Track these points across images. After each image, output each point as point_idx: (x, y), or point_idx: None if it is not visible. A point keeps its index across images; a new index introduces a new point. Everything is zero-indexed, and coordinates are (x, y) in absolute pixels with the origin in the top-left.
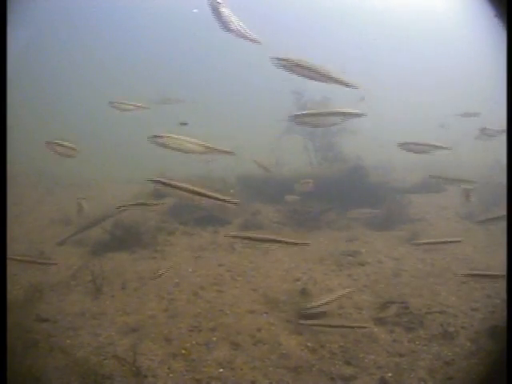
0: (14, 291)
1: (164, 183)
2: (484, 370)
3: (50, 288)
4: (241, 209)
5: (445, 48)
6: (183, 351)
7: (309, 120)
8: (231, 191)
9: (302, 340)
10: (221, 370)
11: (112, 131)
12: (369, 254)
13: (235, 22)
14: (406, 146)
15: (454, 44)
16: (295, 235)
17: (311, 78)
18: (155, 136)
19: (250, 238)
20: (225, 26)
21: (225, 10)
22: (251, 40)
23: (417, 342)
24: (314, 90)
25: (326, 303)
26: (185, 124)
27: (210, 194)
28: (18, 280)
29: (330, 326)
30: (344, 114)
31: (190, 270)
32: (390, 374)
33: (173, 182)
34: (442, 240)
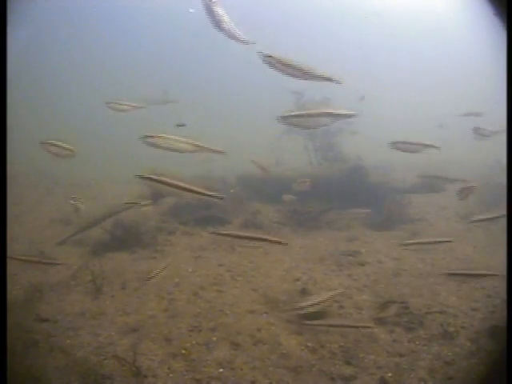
0: (14, 291)
1: (152, 179)
2: (484, 370)
3: (50, 288)
4: (241, 209)
5: (445, 48)
6: (183, 351)
7: (297, 121)
8: (231, 191)
9: (302, 340)
10: (221, 369)
11: (112, 131)
12: (369, 254)
13: (227, 21)
14: (395, 145)
15: (454, 44)
16: (280, 235)
17: (295, 77)
18: (146, 136)
19: (230, 236)
20: (217, 25)
21: (218, 9)
22: (241, 41)
23: (417, 342)
24: (314, 89)
25: (318, 303)
26: (182, 125)
27: (195, 189)
28: (18, 280)
29: (333, 326)
30: (333, 115)
31: (190, 269)
32: (390, 374)
33: (160, 179)
34: (433, 240)
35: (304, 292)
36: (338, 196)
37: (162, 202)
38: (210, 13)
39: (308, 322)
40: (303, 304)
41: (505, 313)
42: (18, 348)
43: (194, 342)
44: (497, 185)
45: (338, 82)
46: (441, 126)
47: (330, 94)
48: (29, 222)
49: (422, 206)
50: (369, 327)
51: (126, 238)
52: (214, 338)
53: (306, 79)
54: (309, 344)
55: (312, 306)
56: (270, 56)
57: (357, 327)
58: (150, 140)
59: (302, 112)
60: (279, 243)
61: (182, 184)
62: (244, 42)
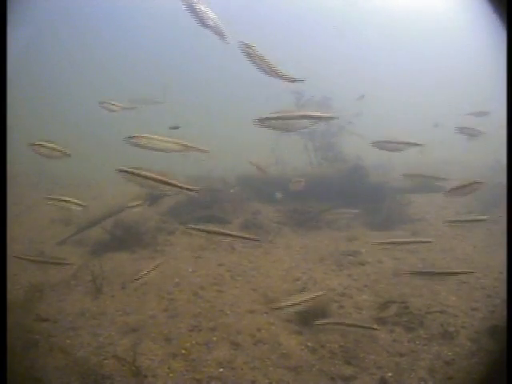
0: (14, 291)
1: (128, 172)
2: (484, 370)
3: (50, 288)
4: (241, 208)
5: (445, 48)
6: (183, 351)
7: (276, 124)
8: (231, 191)
9: (302, 340)
10: (221, 369)
11: (112, 131)
12: (369, 254)
13: (212, 17)
14: (378, 145)
15: (454, 44)
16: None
17: (265, 73)
18: (129, 137)
19: (204, 231)
20: (202, 22)
21: (201, 6)
22: (223, 38)
23: (417, 342)
24: (314, 89)
25: (299, 303)
26: (175, 128)
27: (171, 182)
28: (18, 280)
29: (343, 325)
30: (313, 118)
31: (190, 269)
32: (390, 374)
33: (136, 171)
34: (412, 240)
35: (304, 292)
36: (338, 196)
37: (162, 203)
38: (193, 11)
39: (323, 321)
40: (282, 304)
41: (505, 313)
42: (17, 348)
43: (193, 342)
44: (497, 185)
45: (300, 81)
46: (436, 126)
47: (330, 94)
48: (29, 221)
49: (422, 206)
50: (374, 329)
51: (125, 238)
52: (214, 338)
53: (272, 77)
54: (309, 344)
55: (292, 306)
56: (250, 47)
57: (364, 327)
58: (132, 140)
59: (280, 114)
60: (254, 240)
61: (157, 177)
62: (225, 41)
